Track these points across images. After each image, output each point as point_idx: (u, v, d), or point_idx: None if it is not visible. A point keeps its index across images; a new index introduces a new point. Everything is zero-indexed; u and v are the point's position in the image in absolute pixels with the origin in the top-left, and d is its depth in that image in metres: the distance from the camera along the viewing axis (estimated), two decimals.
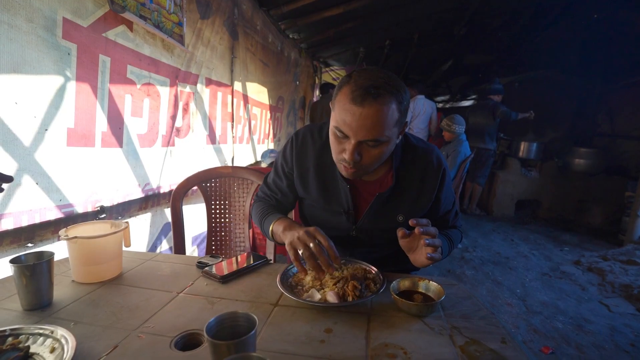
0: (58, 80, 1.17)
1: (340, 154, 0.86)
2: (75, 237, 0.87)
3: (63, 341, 0.61)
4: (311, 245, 0.79)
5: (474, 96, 7.51)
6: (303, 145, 1.02)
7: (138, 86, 1.54)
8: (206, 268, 0.98)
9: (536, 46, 5.71)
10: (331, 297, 0.81)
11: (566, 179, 4.70)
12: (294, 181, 1.06)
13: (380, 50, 5.46)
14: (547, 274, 2.93)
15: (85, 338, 0.66)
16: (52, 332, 0.63)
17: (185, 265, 1.06)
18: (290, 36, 4.01)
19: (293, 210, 1.24)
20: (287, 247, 0.85)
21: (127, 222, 1.02)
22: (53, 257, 0.80)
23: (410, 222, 0.78)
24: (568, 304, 2.45)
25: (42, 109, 1.14)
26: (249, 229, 1.68)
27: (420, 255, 0.82)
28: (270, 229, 0.98)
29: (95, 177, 1.39)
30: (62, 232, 0.90)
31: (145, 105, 1.62)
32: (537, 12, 5.09)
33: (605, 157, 4.50)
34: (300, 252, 0.81)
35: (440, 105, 7.23)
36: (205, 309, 0.80)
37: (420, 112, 4.59)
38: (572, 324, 2.20)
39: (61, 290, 0.87)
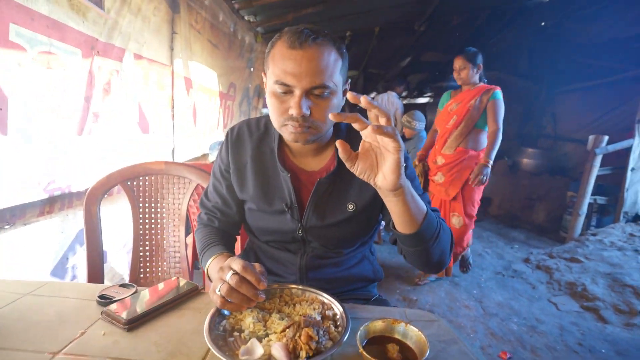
0: None
1: (285, 113, 0.75)
2: None
3: None
4: (227, 277, 0.64)
5: (430, 93, 7.65)
6: (239, 138, 0.90)
7: (31, 54, 1.17)
8: (107, 308, 0.71)
9: (490, 48, 5.90)
10: (277, 352, 0.59)
11: (515, 178, 4.91)
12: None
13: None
14: (500, 273, 2.98)
15: None
16: None
17: (83, 300, 0.77)
18: (246, 18, 3.66)
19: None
20: (210, 295, 0.69)
21: None
22: None
23: (350, 97, 0.57)
24: (521, 304, 2.48)
25: None
26: (187, 235, 1.42)
27: (386, 162, 0.61)
28: (207, 272, 0.82)
29: None
30: None
31: (44, 80, 1.25)
32: (492, 15, 5.24)
33: (548, 158, 4.76)
34: (218, 292, 0.65)
35: None
36: None
37: (387, 105, 4.39)
38: (525, 325, 2.21)
39: None
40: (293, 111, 0.72)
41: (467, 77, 2.46)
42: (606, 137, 3.41)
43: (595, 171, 3.41)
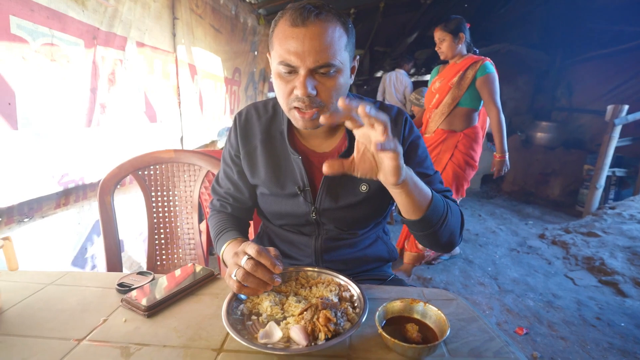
0: None
1: (291, 95, 0.73)
2: None
3: None
4: (242, 262, 0.64)
5: None
6: (247, 122, 0.88)
7: (33, 46, 1.16)
8: (127, 295, 0.72)
9: (500, 19, 5.66)
10: (296, 335, 0.59)
11: (528, 153, 4.79)
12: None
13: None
14: (515, 250, 2.95)
15: None
16: None
17: (103, 289, 0.79)
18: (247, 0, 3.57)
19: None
20: (226, 281, 0.69)
21: (6, 238, 0.73)
22: None
23: (341, 103, 0.54)
24: (537, 280, 2.45)
25: None
26: (200, 221, 1.44)
27: (384, 165, 0.60)
28: (222, 258, 0.83)
29: None
30: None
31: (49, 73, 1.25)
32: None
33: (563, 131, 4.61)
34: (234, 277, 0.65)
35: None
36: None
37: (395, 83, 4.29)
38: (542, 301, 2.20)
39: None
40: (298, 91, 0.70)
41: (448, 49, 2.19)
42: (626, 107, 3.27)
43: (614, 142, 3.29)
